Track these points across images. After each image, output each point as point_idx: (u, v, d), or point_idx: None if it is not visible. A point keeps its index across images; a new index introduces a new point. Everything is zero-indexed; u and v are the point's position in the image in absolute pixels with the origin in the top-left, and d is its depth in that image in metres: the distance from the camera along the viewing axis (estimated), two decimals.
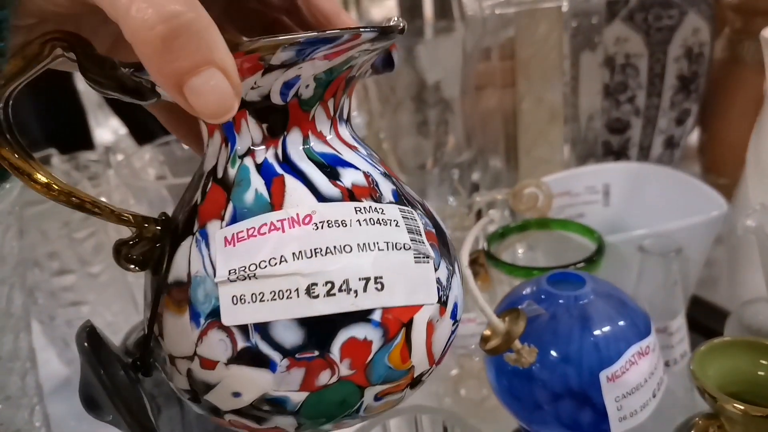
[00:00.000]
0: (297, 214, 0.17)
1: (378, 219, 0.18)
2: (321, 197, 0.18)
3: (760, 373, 0.32)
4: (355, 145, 0.21)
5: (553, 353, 0.28)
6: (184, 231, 0.19)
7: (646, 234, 0.41)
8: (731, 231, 0.47)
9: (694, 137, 0.80)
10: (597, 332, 0.27)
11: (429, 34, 0.67)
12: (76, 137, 0.79)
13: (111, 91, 0.16)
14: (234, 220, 0.18)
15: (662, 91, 0.65)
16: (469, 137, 0.62)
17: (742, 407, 0.29)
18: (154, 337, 0.19)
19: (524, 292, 0.30)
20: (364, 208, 0.18)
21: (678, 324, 0.38)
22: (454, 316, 0.20)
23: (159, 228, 0.19)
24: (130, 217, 0.19)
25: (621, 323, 0.28)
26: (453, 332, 0.20)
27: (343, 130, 0.20)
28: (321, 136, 0.19)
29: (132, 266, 0.19)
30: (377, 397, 0.18)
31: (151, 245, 0.19)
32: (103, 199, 0.53)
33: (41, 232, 0.50)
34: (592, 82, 0.65)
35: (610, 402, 0.27)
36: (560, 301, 0.29)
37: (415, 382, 0.19)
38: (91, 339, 0.19)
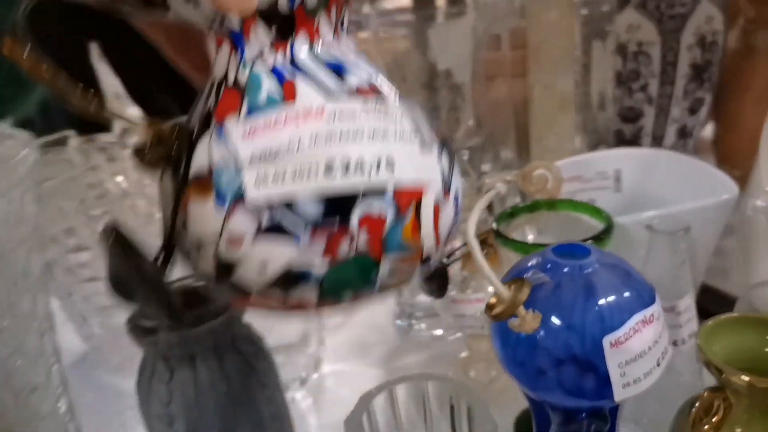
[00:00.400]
0: (309, 110, 0.19)
1: (384, 112, 0.20)
2: (329, 95, 0.20)
3: (766, 349, 0.32)
4: (356, 52, 0.22)
5: (557, 320, 0.28)
6: (201, 131, 0.20)
7: (655, 215, 0.41)
8: (744, 220, 0.47)
9: (707, 129, 0.79)
10: (601, 300, 0.28)
11: (440, 19, 0.67)
12: (95, 123, 0.81)
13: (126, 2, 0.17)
14: (249, 114, 0.19)
15: (675, 79, 0.65)
16: (480, 124, 0.62)
17: (747, 379, 0.29)
18: (178, 226, 0.20)
19: (530, 264, 0.31)
20: (370, 103, 0.20)
21: (686, 304, 0.39)
22: (456, 203, 0.23)
23: (173, 131, 0.20)
24: (141, 120, 0.20)
25: (625, 292, 0.28)
26: (456, 219, 0.23)
27: (345, 39, 0.21)
28: (325, 42, 0.21)
29: (152, 168, 0.20)
30: (390, 271, 0.21)
31: (168, 148, 0.20)
32: (120, 177, 0.54)
33: (58, 208, 0.51)
34: (603, 70, 0.66)
35: (613, 367, 0.27)
36: (565, 269, 0.29)
37: (424, 260, 0.22)
38: (118, 235, 0.20)
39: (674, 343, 0.39)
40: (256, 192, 0.18)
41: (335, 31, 0.21)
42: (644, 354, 0.28)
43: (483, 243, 0.45)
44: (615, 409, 0.32)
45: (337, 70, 0.20)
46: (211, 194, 0.19)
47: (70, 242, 0.54)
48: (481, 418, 0.31)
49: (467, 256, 0.47)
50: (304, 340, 0.54)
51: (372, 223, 0.19)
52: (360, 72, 0.21)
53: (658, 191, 0.52)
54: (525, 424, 0.45)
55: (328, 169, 0.18)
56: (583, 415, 0.31)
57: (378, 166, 0.19)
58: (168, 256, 0.21)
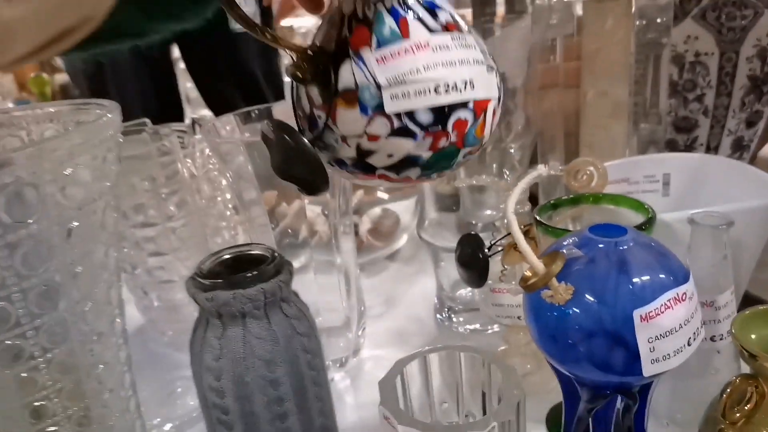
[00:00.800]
0: (419, 43, 0.26)
1: (464, 44, 0.27)
2: (430, 30, 0.27)
3: None
4: None
5: (589, 293, 0.29)
6: (341, 55, 0.27)
7: (699, 212, 0.41)
8: None
9: (766, 151, 0.78)
10: (633, 275, 0.29)
11: (497, 28, 0.69)
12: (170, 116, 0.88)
13: None
14: (379, 46, 0.26)
15: (732, 91, 0.65)
16: (530, 127, 0.63)
17: None
18: (326, 125, 0.27)
19: (566, 242, 0.32)
20: (456, 36, 0.27)
21: (726, 299, 0.39)
22: (501, 107, 0.30)
23: (315, 50, 0.28)
24: (293, 45, 0.27)
25: (659, 270, 0.29)
26: (498, 117, 0.30)
27: None
28: None
29: (304, 81, 0.28)
30: (464, 157, 0.29)
31: (312, 64, 0.27)
32: (188, 160, 0.57)
33: (130, 185, 0.55)
34: (658, 80, 0.66)
35: (642, 342, 0.28)
36: (600, 245, 0.30)
37: (483, 150, 0.31)
38: (282, 123, 0.28)
39: (712, 339, 0.39)
40: (390, 106, 0.26)
41: None
42: (675, 331, 0.28)
43: (525, 234, 0.46)
44: (645, 390, 0.32)
45: (432, 8, 0.27)
46: (356, 105, 0.26)
47: (138, 218, 0.58)
48: (509, 387, 0.32)
49: (507, 249, 0.49)
50: (346, 325, 0.56)
51: (460, 125, 0.27)
52: (444, 11, 0.28)
53: (707, 197, 0.51)
54: (557, 418, 0.46)
55: (436, 89, 0.26)
56: (611, 391, 0.31)
57: (465, 86, 0.26)
58: (320, 139, 0.28)
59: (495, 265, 0.50)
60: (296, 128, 0.29)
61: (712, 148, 0.67)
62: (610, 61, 0.61)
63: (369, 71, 0.26)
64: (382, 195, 0.86)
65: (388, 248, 0.77)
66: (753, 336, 0.32)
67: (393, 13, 0.27)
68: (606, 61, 0.61)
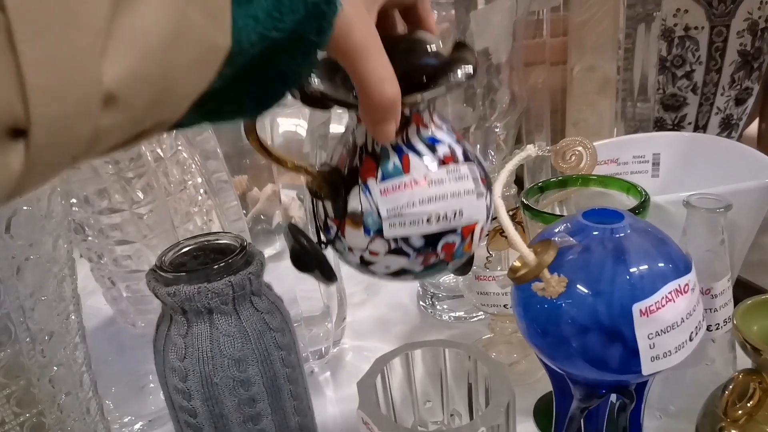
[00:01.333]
0: (418, 179, 0.30)
1: (458, 176, 0.30)
2: (428, 165, 0.30)
3: None
4: (441, 124, 0.32)
5: (584, 285, 0.27)
6: (352, 181, 0.31)
7: (693, 195, 0.39)
8: None
9: (753, 127, 0.76)
10: (632, 266, 0.26)
11: (481, 3, 0.66)
12: None
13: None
14: (384, 179, 0.30)
15: (722, 67, 0.63)
16: (515, 104, 0.61)
17: None
18: (337, 235, 0.32)
19: (557, 229, 0.30)
20: (451, 169, 0.30)
21: (722, 287, 0.37)
22: (489, 221, 0.33)
23: (330, 172, 0.31)
24: (308, 167, 0.31)
25: (659, 259, 0.27)
26: (486, 231, 0.32)
27: (435, 118, 0.32)
28: (425, 126, 0.31)
29: (320, 197, 0.32)
30: (452, 267, 0.32)
31: (327, 186, 0.31)
32: (154, 144, 0.54)
33: (92, 168, 0.51)
34: (647, 55, 0.63)
35: (642, 338, 0.26)
36: (594, 233, 0.28)
37: (471, 259, 0.34)
38: (296, 227, 0.32)
39: (708, 328, 0.37)
40: (388, 232, 0.30)
41: (431, 116, 0.31)
42: (676, 326, 0.26)
43: (511, 219, 0.44)
44: (642, 387, 0.30)
45: (432, 144, 0.31)
46: (361, 227, 0.31)
47: (103, 203, 0.54)
48: (498, 386, 0.30)
49: (493, 234, 0.46)
50: (325, 315, 0.54)
51: (448, 247, 0.30)
52: (444, 144, 0.31)
53: (697, 177, 0.49)
54: (545, 409, 0.44)
55: (428, 220, 0.29)
56: (606, 390, 0.29)
57: (454, 215, 0.30)
58: (329, 244, 0.33)
59: (480, 250, 0.47)
60: (313, 230, 0.34)
61: (700, 127, 0.65)
62: (597, 34, 0.59)
63: (373, 201, 0.30)
64: None
65: None
66: (755, 327, 0.30)
67: (397, 150, 0.31)
68: (593, 34, 0.58)
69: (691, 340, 0.27)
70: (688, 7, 0.61)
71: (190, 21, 0.18)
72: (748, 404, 0.29)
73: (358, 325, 0.58)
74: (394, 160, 0.30)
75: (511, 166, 0.33)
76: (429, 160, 0.30)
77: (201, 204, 0.60)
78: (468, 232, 0.30)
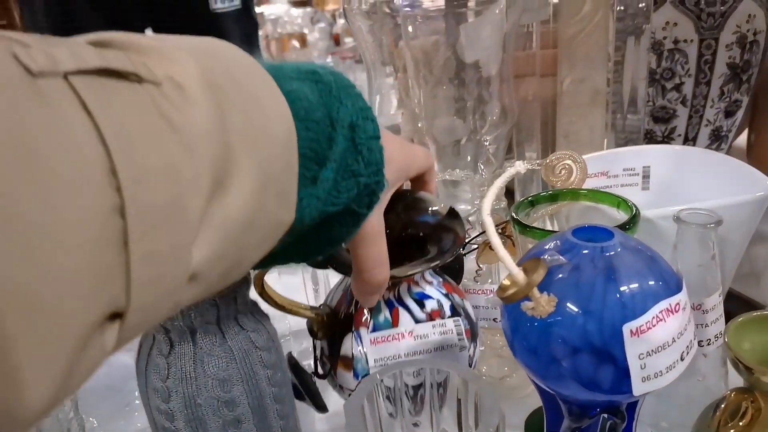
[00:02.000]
0: (404, 332, 0.34)
1: (443, 330, 0.34)
2: (416, 320, 0.34)
3: None
4: (432, 279, 0.36)
5: (574, 304, 0.26)
6: (346, 327, 0.35)
7: (684, 209, 0.39)
8: None
9: (742, 139, 0.76)
10: (622, 285, 0.26)
11: (471, 16, 0.66)
12: None
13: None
14: (374, 330, 0.34)
15: (711, 79, 0.63)
16: (505, 117, 0.61)
17: None
18: (330, 372, 0.37)
19: (547, 246, 0.29)
20: (437, 324, 0.34)
21: (713, 302, 0.36)
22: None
23: (327, 315, 0.37)
24: (307, 310, 0.37)
25: (649, 278, 0.26)
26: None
27: (427, 275, 0.36)
28: (416, 283, 0.35)
29: (317, 337, 0.37)
30: None
31: (324, 327, 0.37)
32: None
33: None
34: (637, 68, 0.63)
35: (632, 358, 0.26)
36: (584, 251, 0.27)
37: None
38: (294, 362, 0.38)
39: (699, 344, 0.37)
40: (377, 376, 0.31)
41: (423, 276, 0.35)
42: (667, 346, 0.26)
43: (500, 234, 0.44)
44: (633, 406, 0.30)
45: (421, 299, 0.35)
46: (351, 370, 0.34)
47: None
48: (488, 408, 0.29)
49: (482, 247, 0.46)
50: None
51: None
52: (433, 300, 0.35)
53: (688, 190, 0.49)
54: (536, 424, 0.43)
55: (413, 374, 0.31)
56: (598, 410, 0.29)
57: (438, 369, 0.31)
58: (323, 377, 0.38)
59: (470, 263, 0.47)
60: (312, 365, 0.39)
61: (690, 139, 0.65)
62: (588, 47, 0.59)
63: (363, 349, 0.34)
64: None
65: None
66: (747, 345, 0.30)
67: (389, 304, 0.34)
68: (583, 47, 0.58)
69: (682, 359, 0.27)
70: (678, 20, 0.61)
71: (265, 205, 0.20)
72: (740, 423, 0.29)
73: None
74: (385, 313, 0.34)
75: (500, 182, 0.33)
76: (418, 314, 0.34)
77: None
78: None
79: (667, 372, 0.26)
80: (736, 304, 0.51)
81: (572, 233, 0.29)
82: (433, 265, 0.33)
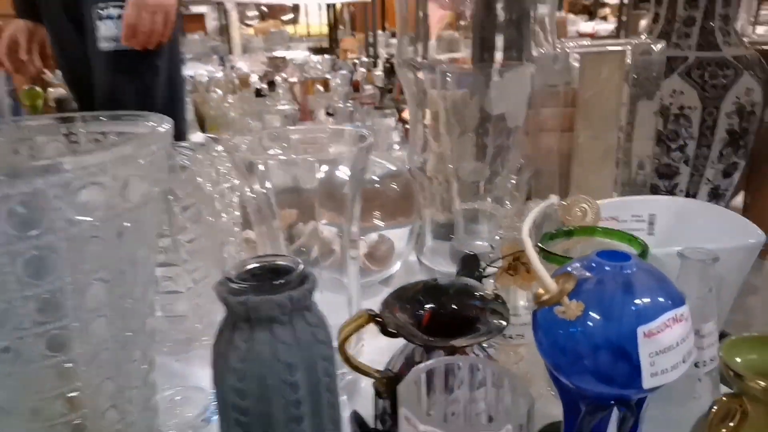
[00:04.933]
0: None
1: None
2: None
3: None
4: (478, 352, 0.41)
5: (597, 311, 0.32)
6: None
7: (687, 248, 0.45)
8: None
9: (738, 200, 0.83)
10: (637, 297, 0.32)
11: (495, 72, 0.73)
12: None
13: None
14: None
15: (712, 143, 0.70)
16: (527, 165, 0.67)
17: (764, 384, 0.33)
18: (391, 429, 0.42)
19: (571, 266, 0.35)
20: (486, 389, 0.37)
21: (710, 329, 0.42)
22: None
23: (390, 378, 0.43)
24: (375, 372, 0.43)
25: (659, 293, 0.33)
26: None
27: (475, 348, 0.42)
28: (465, 353, 0.41)
29: (381, 396, 0.43)
30: None
31: (386, 390, 0.43)
32: (207, 176, 0.60)
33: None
34: (646, 129, 0.70)
35: (644, 356, 0.31)
36: (606, 268, 0.33)
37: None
38: (361, 420, 0.45)
39: (696, 365, 0.43)
40: None
41: (471, 348, 0.41)
42: (673, 348, 0.32)
43: (516, 260, 0.50)
44: (641, 403, 0.35)
45: None
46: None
47: None
48: (520, 392, 0.34)
49: (501, 271, 0.52)
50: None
51: None
52: None
53: (689, 236, 0.56)
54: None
55: None
56: (612, 402, 0.34)
57: None
58: None
59: (487, 285, 0.53)
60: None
61: (691, 195, 0.72)
62: (603, 108, 0.66)
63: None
64: (378, 222, 0.89)
65: (383, 273, 0.80)
66: (738, 359, 0.36)
67: None
68: (599, 107, 0.66)
69: (684, 362, 0.33)
70: (684, 89, 0.69)
71: None
72: (730, 424, 0.35)
73: (371, 355, 0.62)
74: None
75: (537, 210, 0.39)
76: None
77: (236, 235, 0.66)
78: None
79: (672, 370, 0.32)
80: None
81: (597, 255, 0.35)
82: (482, 339, 0.39)
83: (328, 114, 1.77)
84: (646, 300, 0.32)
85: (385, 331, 0.42)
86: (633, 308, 0.32)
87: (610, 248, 0.48)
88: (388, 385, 0.42)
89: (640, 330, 0.31)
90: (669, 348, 0.32)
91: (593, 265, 0.34)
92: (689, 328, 0.33)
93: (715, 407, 0.35)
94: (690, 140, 0.69)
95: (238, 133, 1.64)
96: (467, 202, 0.71)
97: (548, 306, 0.33)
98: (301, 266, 0.41)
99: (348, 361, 0.43)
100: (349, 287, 0.58)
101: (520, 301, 0.51)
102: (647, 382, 0.32)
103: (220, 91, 1.77)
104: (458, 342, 0.39)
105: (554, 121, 0.71)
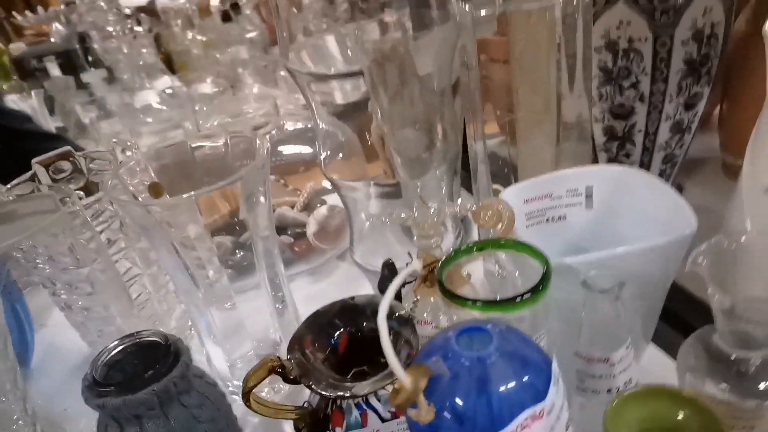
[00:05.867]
0: (373, 431, 0.39)
1: (404, 427, 0.39)
2: (382, 419, 0.40)
3: (678, 418, 0.33)
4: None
5: (450, 413, 0.29)
6: (324, 425, 0.41)
7: (602, 258, 0.40)
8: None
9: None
10: (493, 396, 0.29)
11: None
12: None
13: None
14: (347, 429, 0.40)
15: (668, 76, 0.62)
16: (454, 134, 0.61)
17: None
18: None
19: (437, 343, 0.32)
20: (401, 420, 0.40)
21: (620, 355, 0.39)
22: None
23: (309, 414, 0.42)
24: (293, 409, 0.42)
25: (518, 385, 0.29)
26: None
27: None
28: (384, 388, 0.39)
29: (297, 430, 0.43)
30: None
31: (308, 425, 0.42)
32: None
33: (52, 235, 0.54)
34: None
35: None
36: (462, 360, 0.30)
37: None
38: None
39: (608, 391, 0.40)
40: None
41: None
42: None
43: (432, 272, 0.47)
44: None
45: (386, 403, 0.39)
46: None
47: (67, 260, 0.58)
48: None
49: (418, 283, 0.49)
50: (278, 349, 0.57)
51: None
52: None
53: (627, 209, 0.51)
54: None
55: None
56: None
57: None
58: None
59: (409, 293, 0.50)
60: None
61: (651, 134, 0.65)
62: (535, 59, 0.58)
63: None
64: (327, 184, 0.85)
65: (338, 248, 0.77)
66: (629, 418, 0.33)
67: (358, 407, 0.40)
68: (531, 59, 0.58)
69: None
70: (631, 19, 0.60)
71: None
72: None
73: None
74: (355, 414, 0.40)
75: (396, 282, 0.35)
76: (384, 415, 0.40)
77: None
78: None
79: None
80: (689, 304, 0.54)
81: (456, 336, 0.31)
82: (389, 382, 0.37)
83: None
84: (501, 398, 0.29)
85: (288, 380, 0.40)
86: (486, 410, 0.29)
87: (521, 260, 0.44)
88: (305, 420, 0.42)
89: None
90: None
91: (450, 355, 0.31)
92: (555, 419, 0.30)
93: None
94: (643, 76, 0.62)
95: (205, 72, 1.56)
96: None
97: (405, 407, 0.30)
98: (170, 341, 0.39)
99: (259, 411, 0.41)
100: (269, 284, 0.55)
101: (441, 315, 0.48)
102: None
103: (180, 22, 1.66)
104: (358, 389, 0.37)
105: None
